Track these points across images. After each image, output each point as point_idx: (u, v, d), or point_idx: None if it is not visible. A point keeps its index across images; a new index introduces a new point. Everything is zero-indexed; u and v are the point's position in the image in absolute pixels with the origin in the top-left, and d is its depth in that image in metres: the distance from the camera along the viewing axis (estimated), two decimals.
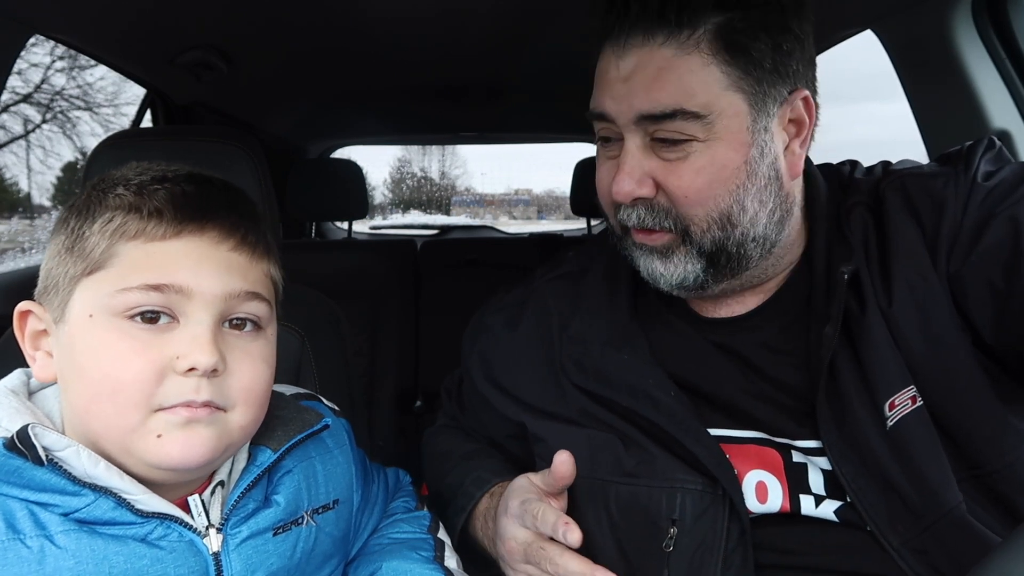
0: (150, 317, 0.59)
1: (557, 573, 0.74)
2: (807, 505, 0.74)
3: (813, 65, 0.79)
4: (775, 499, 0.75)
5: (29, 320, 0.64)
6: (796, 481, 0.76)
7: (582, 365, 0.84)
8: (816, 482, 0.75)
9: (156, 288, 0.59)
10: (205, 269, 0.61)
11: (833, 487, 0.74)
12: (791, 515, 0.75)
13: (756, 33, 0.72)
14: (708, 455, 0.75)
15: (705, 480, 0.75)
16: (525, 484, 0.81)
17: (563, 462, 0.76)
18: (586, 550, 0.78)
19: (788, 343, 0.79)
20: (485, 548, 0.86)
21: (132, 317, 0.59)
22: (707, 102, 0.71)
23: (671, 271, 0.77)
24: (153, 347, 0.59)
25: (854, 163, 0.88)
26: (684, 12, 0.70)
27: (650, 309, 0.87)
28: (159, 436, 0.59)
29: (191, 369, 0.58)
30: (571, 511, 0.80)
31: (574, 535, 0.72)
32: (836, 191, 0.84)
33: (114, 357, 0.58)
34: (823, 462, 0.75)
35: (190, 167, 0.68)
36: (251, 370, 0.64)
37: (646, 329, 0.85)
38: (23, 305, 0.64)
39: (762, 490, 0.76)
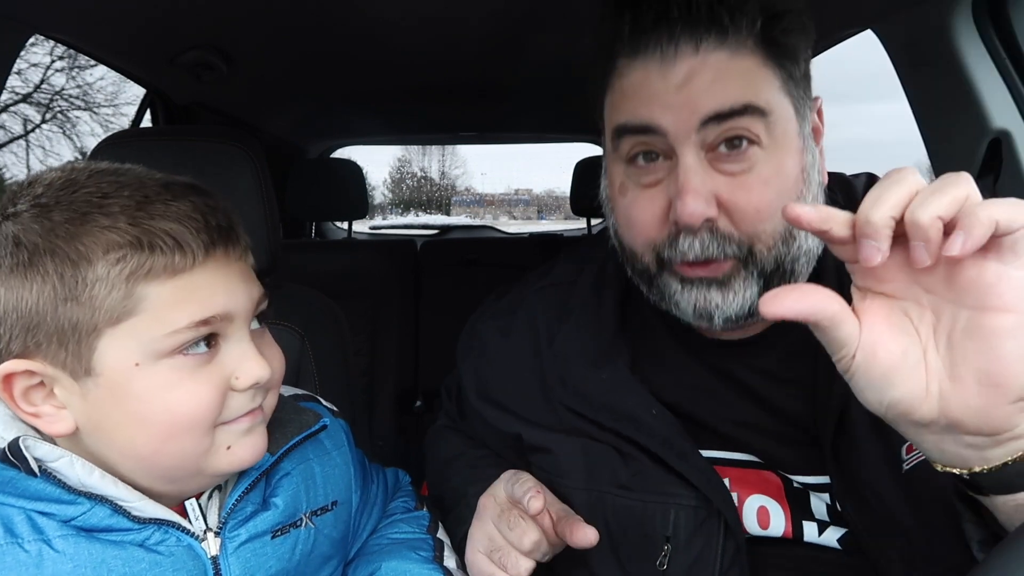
0: (191, 350, 0.59)
1: (510, 536, 0.72)
2: (810, 532, 0.73)
3: None
4: (777, 524, 0.74)
5: (17, 380, 0.57)
6: (798, 506, 0.74)
7: (566, 384, 0.82)
8: (819, 508, 0.73)
9: (205, 323, 0.58)
10: (234, 286, 0.61)
11: (836, 514, 0.72)
12: (794, 541, 0.73)
13: (797, 37, 0.70)
14: (695, 474, 0.73)
15: (699, 496, 0.73)
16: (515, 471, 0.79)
17: (587, 537, 0.71)
18: (585, 563, 0.77)
19: (791, 371, 0.75)
20: None
21: (179, 352, 0.58)
22: (769, 100, 0.68)
23: (730, 301, 0.70)
24: (212, 373, 0.59)
25: (872, 176, 0.84)
26: (734, 15, 0.66)
27: (642, 323, 0.84)
28: (228, 448, 0.61)
29: (252, 384, 0.61)
30: None
31: (536, 503, 0.70)
32: (843, 207, 0.81)
33: (183, 395, 0.58)
34: (826, 496, 0.73)
35: (132, 168, 0.62)
36: (277, 358, 0.67)
37: (635, 345, 0.82)
38: (8, 367, 0.56)
39: (764, 515, 0.74)
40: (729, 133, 0.67)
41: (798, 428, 0.74)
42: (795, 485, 0.75)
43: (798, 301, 0.50)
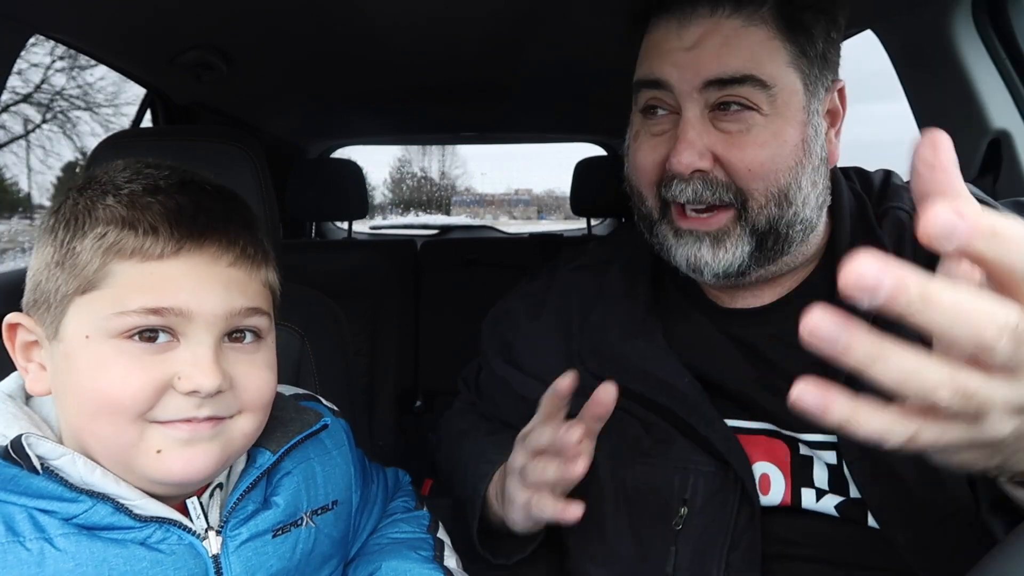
0: (148, 336, 0.58)
1: (539, 441, 0.73)
2: (808, 499, 0.75)
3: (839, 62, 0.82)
4: (777, 492, 0.76)
5: (19, 332, 0.62)
6: (800, 475, 0.76)
7: (599, 353, 0.85)
8: (820, 477, 0.76)
9: (155, 312, 0.57)
10: (205, 289, 0.59)
11: (837, 482, 0.75)
12: (792, 508, 0.76)
13: (816, 15, 0.75)
14: (721, 440, 0.76)
15: (718, 464, 0.76)
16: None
17: (607, 390, 0.72)
18: (598, 525, 0.80)
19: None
20: (496, 512, 0.85)
21: (131, 336, 0.57)
22: (773, 73, 0.73)
23: (720, 258, 0.76)
24: (153, 366, 0.58)
25: (888, 172, 0.88)
26: None
27: (669, 300, 0.89)
28: (159, 452, 0.58)
29: (192, 391, 0.58)
30: (588, 488, 0.80)
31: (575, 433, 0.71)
32: (859, 194, 0.84)
33: (113, 376, 0.57)
34: (829, 456, 0.76)
35: (182, 168, 0.65)
36: (258, 380, 0.64)
37: (665, 320, 0.86)
38: (12, 317, 0.61)
39: (765, 482, 0.77)
40: (728, 99, 0.73)
41: None
42: (800, 453, 0.77)
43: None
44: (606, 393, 0.72)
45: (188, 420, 0.59)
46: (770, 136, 0.73)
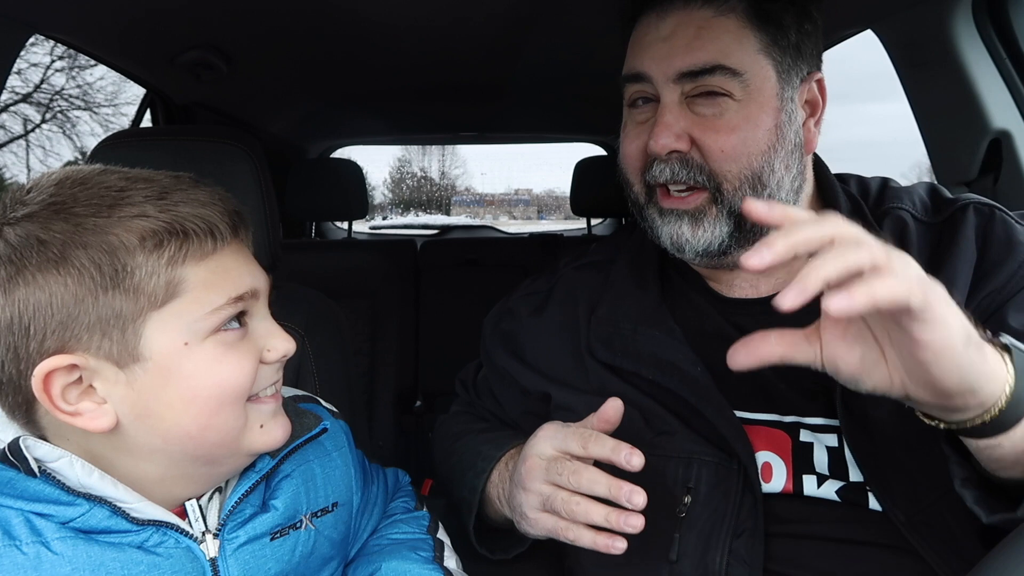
0: (232, 324, 0.61)
1: (579, 485, 0.70)
2: (809, 486, 0.76)
3: (821, 57, 0.85)
4: (779, 480, 0.77)
5: (57, 379, 0.55)
6: (801, 462, 0.77)
7: (611, 343, 0.86)
8: (820, 461, 0.77)
9: (239, 299, 0.61)
10: (253, 266, 0.64)
11: (837, 466, 0.76)
12: (794, 495, 0.77)
13: (785, 6, 0.79)
14: (728, 427, 0.77)
15: (721, 454, 0.77)
16: (557, 423, 0.78)
17: (615, 407, 0.72)
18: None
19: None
20: (499, 510, 0.85)
21: (223, 329, 0.60)
22: (742, 61, 0.77)
23: (699, 236, 0.80)
24: (248, 347, 0.62)
25: (885, 180, 0.91)
26: None
27: (675, 291, 0.90)
28: (262, 426, 0.64)
29: (281, 357, 0.64)
30: None
31: (639, 459, 0.68)
32: (854, 196, 0.87)
33: (231, 367, 0.60)
34: (829, 439, 0.77)
35: (138, 169, 0.62)
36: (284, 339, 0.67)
37: (672, 310, 0.87)
38: (52, 363, 0.54)
39: (767, 470, 0.78)
40: (702, 89, 0.77)
41: (809, 378, 0.78)
42: (801, 440, 0.78)
43: (749, 356, 0.59)
44: (614, 410, 0.72)
45: (274, 395, 0.65)
46: (742, 120, 0.77)
